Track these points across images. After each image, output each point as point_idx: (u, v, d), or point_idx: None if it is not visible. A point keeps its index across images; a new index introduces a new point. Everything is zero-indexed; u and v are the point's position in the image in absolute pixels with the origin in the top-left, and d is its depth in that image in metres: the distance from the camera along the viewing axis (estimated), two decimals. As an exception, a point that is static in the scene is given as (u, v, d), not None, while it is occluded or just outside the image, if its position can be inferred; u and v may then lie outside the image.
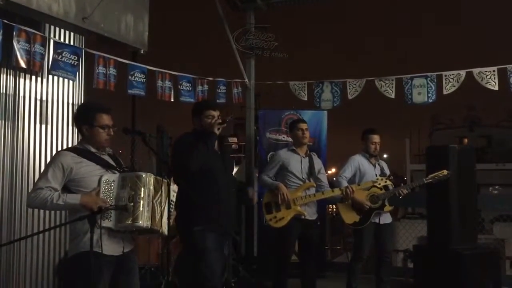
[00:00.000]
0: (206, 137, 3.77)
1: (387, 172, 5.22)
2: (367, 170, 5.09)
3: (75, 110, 5.40)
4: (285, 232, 4.70)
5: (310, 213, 4.80)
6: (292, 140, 5.14)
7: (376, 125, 5.53)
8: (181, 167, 3.65)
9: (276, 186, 4.71)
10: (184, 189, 3.44)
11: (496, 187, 16.49)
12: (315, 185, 4.83)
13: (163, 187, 3.08)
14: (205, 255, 3.72)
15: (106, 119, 3.15)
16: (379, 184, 4.87)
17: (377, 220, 4.99)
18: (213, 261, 3.74)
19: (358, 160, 5.15)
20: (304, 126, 4.91)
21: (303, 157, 4.87)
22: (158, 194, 3.05)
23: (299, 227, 4.71)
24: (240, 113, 7.49)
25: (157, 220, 3.02)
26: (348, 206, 5.01)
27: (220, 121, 3.83)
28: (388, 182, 4.90)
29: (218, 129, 3.84)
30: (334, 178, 5.43)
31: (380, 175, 5.05)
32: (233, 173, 6.64)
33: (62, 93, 5.56)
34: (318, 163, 5.00)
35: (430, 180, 4.92)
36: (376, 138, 5.15)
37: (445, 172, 4.87)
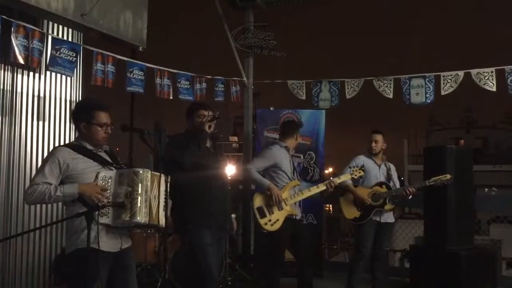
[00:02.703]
0: (197, 136, 3.87)
1: (394, 174, 5.24)
2: (371, 170, 5.12)
3: (73, 107, 5.40)
4: (278, 234, 4.62)
5: (299, 212, 4.82)
6: (282, 138, 5.09)
7: (375, 125, 5.54)
8: (174, 165, 3.67)
9: (267, 186, 4.56)
10: (178, 187, 3.46)
11: (494, 188, 16.54)
12: (299, 183, 4.83)
13: (160, 182, 3.07)
14: (201, 250, 3.76)
15: (104, 117, 3.13)
16: (355, 175, 4.88)
17: (378, 219, 5.02)
18: (210, 256, 3.77)
19: (363, 160, 5.18)
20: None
21: (290, 156, 4.90)
22: (155, 189, 3.05)
23: (290, 227, 4.68)
24: (241, 112, 7.48)
25: (154, 214, 3.02)
26: (349, 202, 5.06)
27: (209, 118, 3.91)
28: (361, 172, 4.88)
29: (210, 126, 3.92)
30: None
31: (385, 176, 5.11)
32: (230, 171, 6.61)
33: (60, 89, 5.55)
34: (295, 161, 5.05)
35: (433, 183, 4.92)
36: (374, 136, 5.18)
37: (448, 176, 4.87)
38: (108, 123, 3.14)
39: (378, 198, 4.98)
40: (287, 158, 4.81)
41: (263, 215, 4.55)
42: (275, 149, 4.82)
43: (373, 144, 5.16)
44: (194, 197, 3.77)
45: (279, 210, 4.57)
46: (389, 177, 5.15)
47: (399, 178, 5.46)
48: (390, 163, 5.31)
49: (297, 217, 4.76)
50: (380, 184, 5.06)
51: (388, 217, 5.10)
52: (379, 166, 5.17)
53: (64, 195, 2.93)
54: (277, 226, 4.56)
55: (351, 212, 5.05)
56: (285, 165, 4.75)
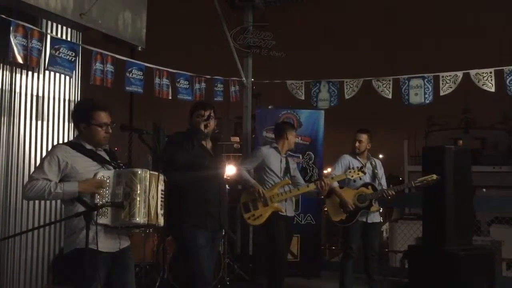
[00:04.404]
0: (191, 134, 3.88)
1: (380, 170, 5.20)
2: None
3: (72, 107, 5.39)
4: (273, 228, 4.71)
5: (290, 209, 4.87)
6: (275, 140, 5.13)
7: (374, 126, 5.55)
8: (168, 163, 3.68)
9: (252, 184, 4.72)
10: (173, 186, 3.47)
11: (483, 190, 16.51)
12: (290, 182, 4.88)
13: (159, 182, 3.07)
14: (194, 252, 3.74)
15: (104, 117, 3.11)
16: (352, 176, 4.86)
17: (364, 219, 5.02)
18: (203, 258, 3.75)
19: (348, 159, 5.17)
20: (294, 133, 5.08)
21: (283, 156, 4.94)
22: (154, 189, 3.04)
23: (283, 224, 4.74)
24: (242, 113, 7.45)
25: (152, 214, 3.01)
26: (336, 204, 5.05)
27: (204, 118, 3.91)
28: (361, 174, 4.87)
29: (206, 126, 3.90)
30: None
31: (371, 175, 5.08)
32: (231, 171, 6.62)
33: (59, 89, 5.55)
34: (292, 163, 5.12)
35: (419, 184, 4.93)
36: (359, 136, 5.15)
37: (434, 176, 4.86)
38: (108, 123, 3.12)
39: (364, 200, 4.97)
40: (277, 158, 4.89)
41: (247, 210, 4.75)
42: (263, 149, 5.01)
43: (357, 144, 5.13)
44: (189, 197, 3.76)
45: (264, 206, 4.69)
46: (374, 175, 5.12)
47: (397, 178, 5.45)
48: (376, 159, 5.28)
49: (288, 215, 4.82)
50: (366, 185, 5.04)
51: (374, 217, 5.09)
52: (365, 165, 5.15)
53: (64, 192, 2.92)
54: (260, 220, 4.71)
55: (337, 215, 5.04)
56: (273, 164, 4.84)
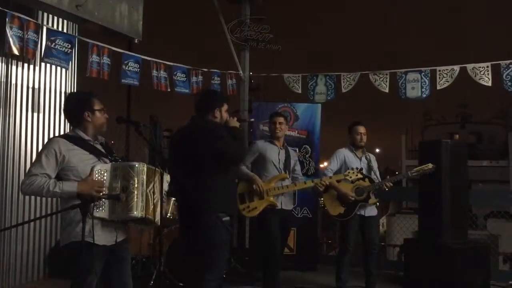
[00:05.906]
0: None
1: (375, 164, 5.22)
2: (353, 163, 5.10)
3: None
4: (266, 222, 4.72)
5: (287, 203, 4.86)
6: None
7: (372, 120, 5.57)
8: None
9: (251, 177, 4.73)
10: (210, 179, 3.60)
11: (480, 184, 16.56)
12: (288, 176, 4.88)
13: (156, 177, 3.07)
14: (226, 244, 3.80)
15: (99, 103, 3.16)
16: (350, 177, 4.86)
17: (362, 213, 5.02)
18: (227, 250, 3.86)
19: (344, 153, 5.17)
20: (279, 119, 4.96)
21: (280, 148, 4.95)
22: (152, 184, 3.03)
23: (277, 216, 4.74)
24: (239, 106, 7.44)
25: (150, 210, 3.00)
26: (333, 198, 5.05)
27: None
28: (359, 175, 4.89)
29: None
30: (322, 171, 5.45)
31: (367, 169, 5.09)
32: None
33: (55, 81, 5.53)
34: (293, 156, 5.10)
35: (415, 174, 4.95)
36: (361, 129, 5.16)
37: (430, 165, 4.88)
38: (104, 108, 3.16)
39: (362, 192, 4.98)
40: (274, 150, 4.89)
41: (242, 201, 4.75)
42: (259, 143, 5.04)
43: (360, 137, 5.12)
44: (232, 189, 3.95)
45: (259, 199, 4.70)
46: (370, 169, 5.13)
47: (393, 172, 5.46)
48: (370, 154, 5.29)
49: (285, 208, 4.80)
50: (362, 178, 5.04)
51: (372, 211, 5.10)
52: (360, 159, 5.16)
53: (63, 192, 2.89)
54: (254, 213, 4.73)
55: (335, 209, 5.04)
56: (270, 155, 4.85)
